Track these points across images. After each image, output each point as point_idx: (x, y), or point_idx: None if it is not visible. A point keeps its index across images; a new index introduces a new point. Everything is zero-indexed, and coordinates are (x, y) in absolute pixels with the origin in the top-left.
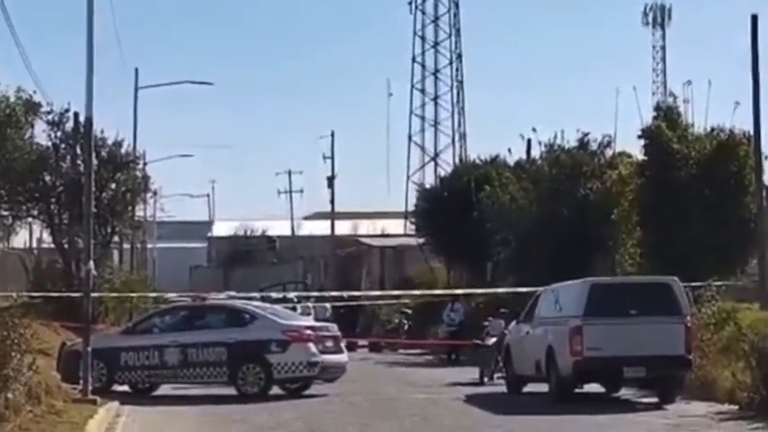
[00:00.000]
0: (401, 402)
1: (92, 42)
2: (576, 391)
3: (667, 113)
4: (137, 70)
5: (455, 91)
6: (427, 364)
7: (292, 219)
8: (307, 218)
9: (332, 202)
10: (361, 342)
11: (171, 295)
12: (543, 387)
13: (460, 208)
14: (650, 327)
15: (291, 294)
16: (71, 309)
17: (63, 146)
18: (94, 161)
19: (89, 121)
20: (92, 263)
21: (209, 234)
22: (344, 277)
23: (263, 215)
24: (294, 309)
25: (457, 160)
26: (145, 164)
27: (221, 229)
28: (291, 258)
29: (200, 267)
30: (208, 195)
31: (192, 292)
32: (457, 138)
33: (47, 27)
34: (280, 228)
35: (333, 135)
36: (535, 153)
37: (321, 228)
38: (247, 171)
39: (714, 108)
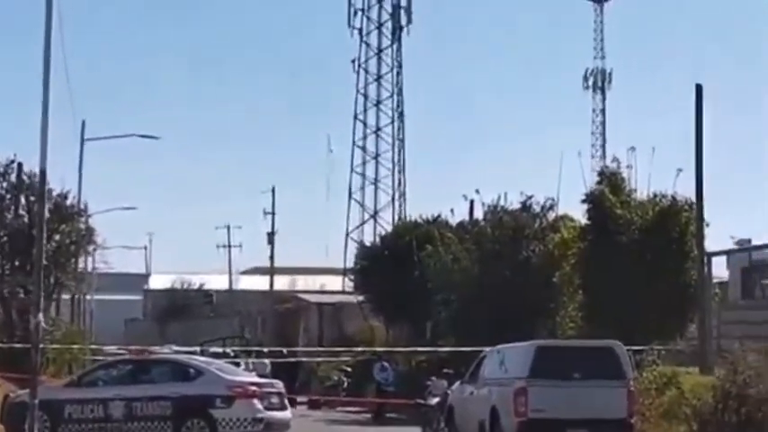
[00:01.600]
0: None
1: (47, 96)
2: None
3: (611, 179)
4: (83, 122)
5: (396, 149)
6: (367, 422)
7: (230, 273)
8: (244, 272)
9: (271, 257)
10: (300, 398)
11: (110, 348)
12: None
13: (401, 266)
14: (594, 390)
15: (229, 350)
16: (11, 359)
17: (8, 196)
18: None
19: (43, 174)
20: (41, 315)
21: (146, 287)
22: (282, 333)
23: (200, 269)
24: (238, 364)
25: (396, 218)
26: (89, 216)
27: (158, 281)
28: (228, 313)
29: (135, 320)
30: (145, 247)
31: (128, 344)
32: (397, 196)
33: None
34: (217, 282)
35: (273, 191)
36: (477, 214)
37: (258, 283)
38: (186, 224)
39: (656, 173)
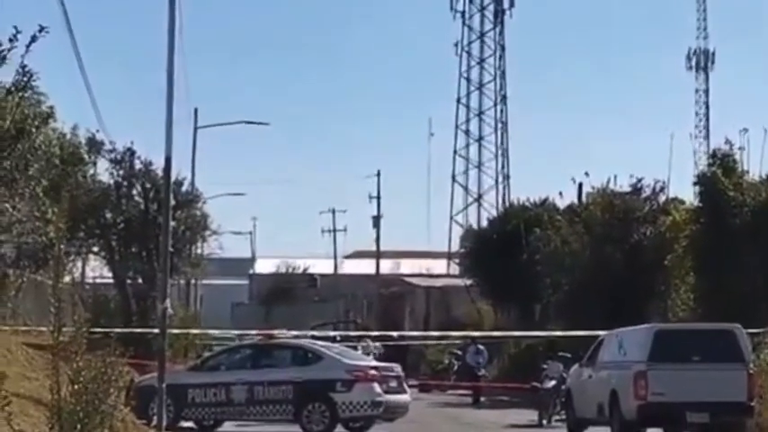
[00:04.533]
0: None
1: (171, 84)
2: None
3: (723, 160)
4: (196, 110)
5: (499, 133)
6: (483, 405)
7: (336, 257)
8: (347, 257)
9: (377, 240)
10: (411, 382)
11: (231, 332)
12: (605, 430)
13: (509, 250)
14: (713, 373)
15: (333, 333)
16: (128, 344)
17: (125, 183)
18: (154, 200)
19: (168, 161)
20: (168, 301)
21: (251, 271)
22: (388, 317)
23: (304, 253)
24: (355, 348)
25: (500, 201)
26: (204, 202)
27: (263, 266)
28: (333, 296)
29: (241, 304)
30: (250, 232)
31: (235, 329)
32: (500, 179)
33: (104, 62)
34: (321, 266)
35: (379, 175)
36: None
37: (361, 267)
38: (291, 209)
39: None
